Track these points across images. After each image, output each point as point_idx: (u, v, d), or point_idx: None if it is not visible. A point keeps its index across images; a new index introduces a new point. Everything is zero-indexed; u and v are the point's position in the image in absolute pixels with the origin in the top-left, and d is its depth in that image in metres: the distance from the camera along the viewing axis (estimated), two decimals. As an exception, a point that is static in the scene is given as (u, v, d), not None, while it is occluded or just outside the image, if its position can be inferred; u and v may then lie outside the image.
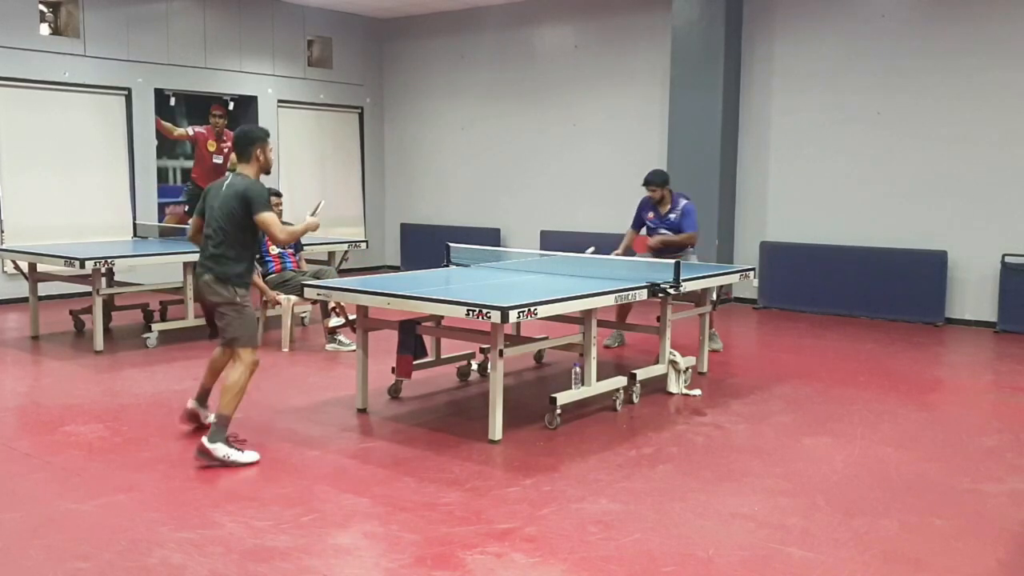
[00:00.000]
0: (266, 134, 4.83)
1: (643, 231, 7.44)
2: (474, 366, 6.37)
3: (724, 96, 9.58)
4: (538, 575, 3.33)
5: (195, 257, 7.53)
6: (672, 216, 7.27)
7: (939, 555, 3.54)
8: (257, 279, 7.45)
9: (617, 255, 7.24)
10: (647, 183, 7.31)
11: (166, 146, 11.07)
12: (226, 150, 11.75)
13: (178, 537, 3.60)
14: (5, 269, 9.20)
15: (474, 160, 12.22)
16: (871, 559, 3.48)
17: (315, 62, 12.31)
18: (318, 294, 5.58)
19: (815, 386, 6.29)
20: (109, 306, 7.90)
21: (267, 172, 4.82)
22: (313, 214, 5.06)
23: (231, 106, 11.53)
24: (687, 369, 6.08)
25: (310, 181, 12.34)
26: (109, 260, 7.06)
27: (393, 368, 5.52)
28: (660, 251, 7.11)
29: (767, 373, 6.75)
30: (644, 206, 7.45)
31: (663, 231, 7.27)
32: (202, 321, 7.53)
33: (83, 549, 3.50)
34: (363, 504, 4.00)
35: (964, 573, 3.40)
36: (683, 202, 7.28)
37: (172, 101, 10.96)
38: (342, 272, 8.01)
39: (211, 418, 4.72)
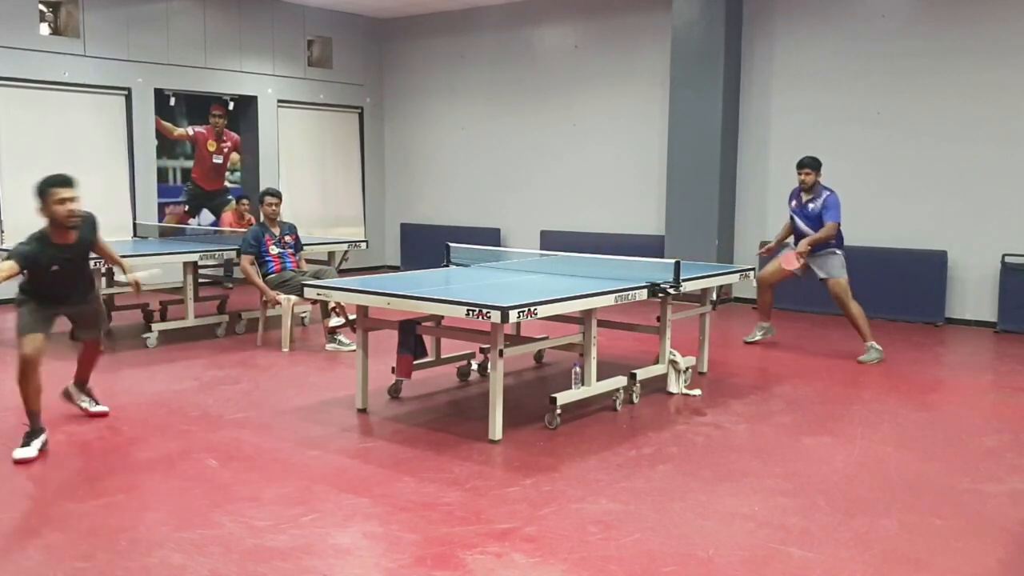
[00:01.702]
0: (47, 185, 4.59)
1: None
2: (474, 366, 6.37)
3: (724, 96, 9.58)
4: (538, 575, 3.33)
5: (195, 256, 7.66)
6: (811, 206, 7.28)
7: (939, 555, 3.54)
8: (257, 279, 7.48)
9: (770, 248, 7.43)
10: (801, 165, 7.27)
11: (166, 146, 11.08)
12: (226, 150, 11.80)
13: (178, 537, 3.60)
14: (5, 269, 9.18)
15: (474, 160, 12.21)
16: (871, 559, 3.48)
17: (315, 62, 12.31)
18: (318, 294, 5.58)
19: (815, 386, 6.29)
20: (109, 306, 7.88)
21: (65, 225, 4.69)
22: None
23: (231, 106, 11.56)
24: (687, 369, 6.08)
25: (310, 181, 12.36)
26: (109, 260, 7.06)
27: (393, 368, 5.52)
28: (812, 251, 7.20)
29: (767, 373, 6.76)
30: (792, 194, 7.49)
31: (800, 222, 7.30)
32: (203, 321, 7.90)
33: (83, 549, 3.50)
34: (363, 504, 4.00)
35: (964, 573, 3.39)
36: (826, 193, 7.26)
37: (172, 101, 10.96)
38: (342, 272, 8.01)
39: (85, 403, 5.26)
